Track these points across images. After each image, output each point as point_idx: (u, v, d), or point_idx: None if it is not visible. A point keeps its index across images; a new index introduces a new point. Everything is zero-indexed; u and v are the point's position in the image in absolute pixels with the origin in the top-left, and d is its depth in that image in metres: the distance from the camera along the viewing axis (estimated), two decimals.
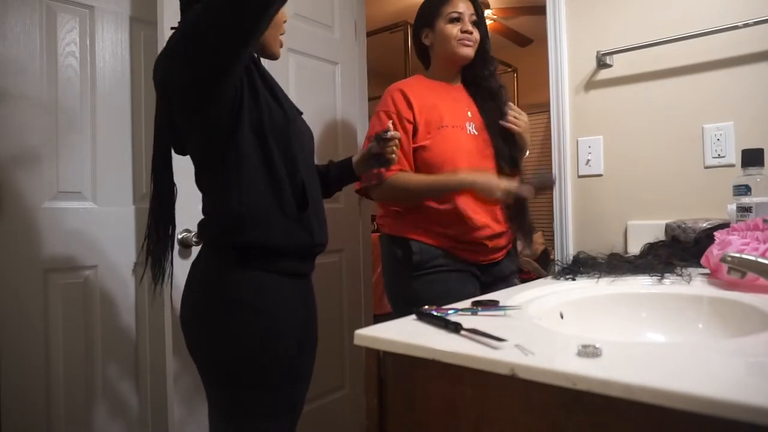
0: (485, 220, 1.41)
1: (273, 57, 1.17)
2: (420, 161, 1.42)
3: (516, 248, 1.60)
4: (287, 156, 1.04)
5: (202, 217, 1.08)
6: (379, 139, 1.26)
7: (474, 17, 1.47)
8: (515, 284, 1.51)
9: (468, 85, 1.55)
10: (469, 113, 1.48)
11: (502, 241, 1.48)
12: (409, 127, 1.41)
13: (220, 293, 1.00)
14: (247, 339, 0.99)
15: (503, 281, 1.49)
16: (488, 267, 1.47)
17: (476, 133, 1.46)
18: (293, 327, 1.04)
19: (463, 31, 1.44)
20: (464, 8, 1.46)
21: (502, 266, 1.50)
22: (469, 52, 1.46)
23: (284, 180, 1.02)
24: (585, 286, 0.97)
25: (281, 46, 1.17)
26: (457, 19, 1.45)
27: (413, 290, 1.40)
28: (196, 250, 1.35)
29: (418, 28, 1.54)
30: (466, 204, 1.39)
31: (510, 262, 1.54)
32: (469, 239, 1.41)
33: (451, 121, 1.43)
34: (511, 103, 1.50)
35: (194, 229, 1.19)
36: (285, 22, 1.15)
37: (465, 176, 1.35)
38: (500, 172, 1.48)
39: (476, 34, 1.47)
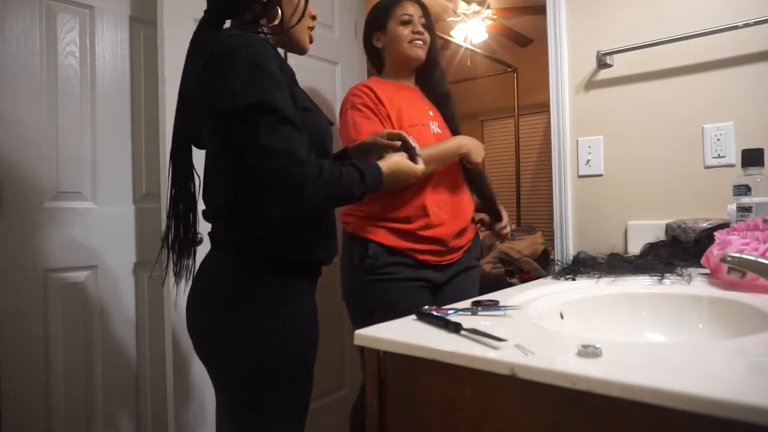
0: (445, 216, 1.43)
1: (302, 52, 1.13)
2: None
3: (477, 241, 1.60)
4: None
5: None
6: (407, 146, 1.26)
7: (423, 20, 1.51)
8: (474, 276, 1.56)
9: (422, 87, 1.59)
10: (430, 112, 1.52)
11: (462, 241, 1.49)
12: (388, 122, 1.43)
13: (239, 296, 0.97)
14: (268, 342, 0.97)
15: (458, 276, 1.49)
16: (444, 266, 1.46)
17: (440, 131, 1.50)
18: (309, 329, 1.04)
19: (414, 32, 1.48)
20: (414, 11, 1.50)
21: (458, 263, 1.49)
22: (420, 53, 1.50)
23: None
24: (585, 286, 0.97)
25: (311, 42, 1.13)
26: (408, 22, 1.48)
27: (362, 293, 1.42)
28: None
29: (369, 31, 1.57)
30: (430, 199, 1.41)
31: (469, 257, 1.53)
32: (429, 235, 1.40)
33: (417, 119, 1.46)
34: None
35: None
36: (314, 18, 1.12)
37: (459, 141, 1.45)
38: (464, 169, 1.53)
39: (427, 36, 1.50)
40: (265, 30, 1.03)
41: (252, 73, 0.89)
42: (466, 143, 1.45)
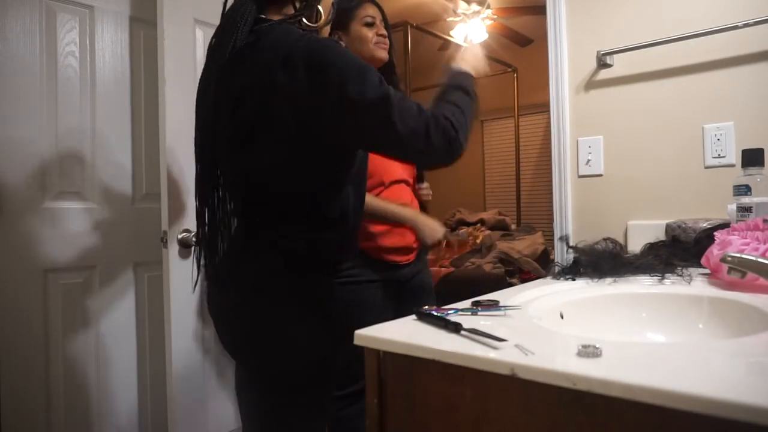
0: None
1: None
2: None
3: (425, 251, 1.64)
4: (365, 182, 1.07)
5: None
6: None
7: (383, 23, 1.53)
8: (429, 272, 1.60)
9: None
10: None
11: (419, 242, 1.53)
12: None
13: (291, 298, 0.96)
14: (318, 343, 0.98)
15: (420, 273, 1.56)
16: (404, 266, 1.50)
17: None
18: (341, 327, 1.05)
19: (378, 35, 1.49)
20: (374, 13, 1.51)
21: (415, 263, 1.54)
22: (385, 54, 1.51)
23: (361, 206, 1.06)
24: (585, 286, 0.97)
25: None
26: (371, 24, 1.49)
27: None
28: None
29: (329, 32, 1.57)
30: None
31: (423, 257, 1.60)
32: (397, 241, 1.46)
33: None
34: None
35: (194, 229, 1.16)
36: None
37: (411, 213, 1.44)
38: (419, 175, 1.58)
39: (387, 39, 1.53)
40: (303, 27, 1.00)
41: (357, 70, 0.88)
42: (418, 219, 1.44)
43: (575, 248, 1.14)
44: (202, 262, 1.04)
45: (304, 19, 0.99)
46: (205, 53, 1.01)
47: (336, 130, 0.90)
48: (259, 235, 0.99)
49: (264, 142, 0.92)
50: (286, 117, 0.89)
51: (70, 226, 1.57)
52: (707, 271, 1.03)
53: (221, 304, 1.01)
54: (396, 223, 1.43)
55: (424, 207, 1.63)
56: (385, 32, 1.51)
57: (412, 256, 1.52)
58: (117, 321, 1.67)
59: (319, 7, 1.01)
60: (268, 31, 0.93)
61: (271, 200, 0.96)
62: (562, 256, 1.63)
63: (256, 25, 0.95)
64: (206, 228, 1.03)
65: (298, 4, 0.99)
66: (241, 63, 0.92)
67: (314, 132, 0.90)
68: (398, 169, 1.51)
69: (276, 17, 0.98)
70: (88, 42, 1.63)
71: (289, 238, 0.96)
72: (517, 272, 2.85)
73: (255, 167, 0.95)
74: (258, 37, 0.93)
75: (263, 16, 0.98)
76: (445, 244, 1.41)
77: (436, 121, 0.90)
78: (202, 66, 1.00)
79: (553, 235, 1.74)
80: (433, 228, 1.43)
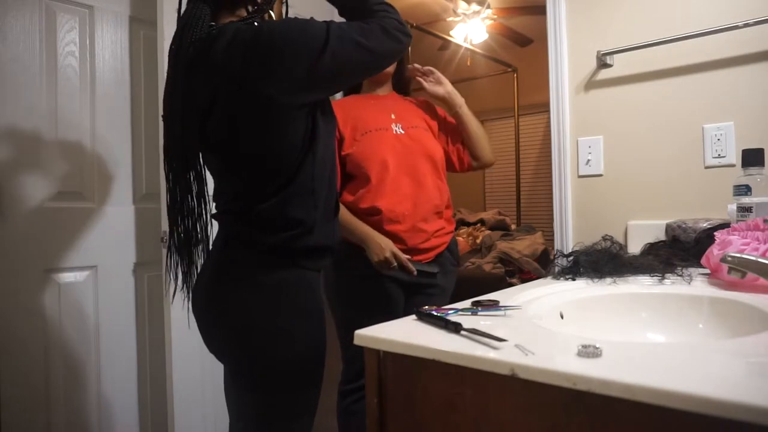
0: (406, 213, 1.46)
1: None
2: (349, 165, 1.48)
3: (454, 253, 1.60)
4: (334, 159, 1.07)
5: None
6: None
7: None
8: (436, 293, 1.53)
9: (395, 88, 1.67)
10: (392, 115, 1.55)
11: (427, 244, 1.50)
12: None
13: (275, 295, 0.97)
14: (304, 341, 0.99)
15: (433, 287, 1.52)
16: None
17: (403, 132, 1.53)
18: (324, 324, 1.05)
19: None
20: None
21: (428, 270, 1.50)
22: (392, 68, 1.58)
23: (334, 185, 1.06)
24: (585, 286, 0.97)
25: None
26: None
27: (334, 287, 1.47)
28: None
29: None
30: (390, 199, 1.46)
31: (444, 264, 1.55)
32: (389, 230, 1.45)
33: (374, 125, 1.50)
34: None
35: None
36: None
37: (367, 233, 1.43)
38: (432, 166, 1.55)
39: None
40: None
41: (297, 24, 0.96)
42: (368, 240, 1.43)
43: (574, 252, 1.13)
44: (181, 269, 1.04)
45: (255, 23, 1.00)
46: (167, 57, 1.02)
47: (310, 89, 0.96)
48: (240, 234, 1.00)
49: (244, 140, 0.97)
50: (255, 110, 0.93)
51: (70, 226, 1.57)
52: (707, 271, 1.03)
53: (208, 304, 1.02)
54: (354, 238, 1.44)
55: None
56: None
57: (429, 256, 1.50)
58: (117, 321, 1.67)
59: (271, 12, 1.05)
60: (220, 34, 0.95)
61: (248, 194, 0.99)
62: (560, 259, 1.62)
63: (211, 29, 0.97)
64: (182, 235, 1.03)
65: (250, 8, 1.03)
66: (201, 69, 0.95)
67: (284, 100, 0.93)
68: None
69: (228, 19, 1.02)
70: (88, 42, 1.63)
71: (268, 233, 0.98)
72: (517, 272, 2.85)
73: (242, 167, 0.99)
74: (212, 41, 0.95)
75: (215, 21, 1.01)
76: (395, 263, 1.40)
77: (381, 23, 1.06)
78: None
79: (553, 235, 1.74)
80: (381, 246, 1.41)
